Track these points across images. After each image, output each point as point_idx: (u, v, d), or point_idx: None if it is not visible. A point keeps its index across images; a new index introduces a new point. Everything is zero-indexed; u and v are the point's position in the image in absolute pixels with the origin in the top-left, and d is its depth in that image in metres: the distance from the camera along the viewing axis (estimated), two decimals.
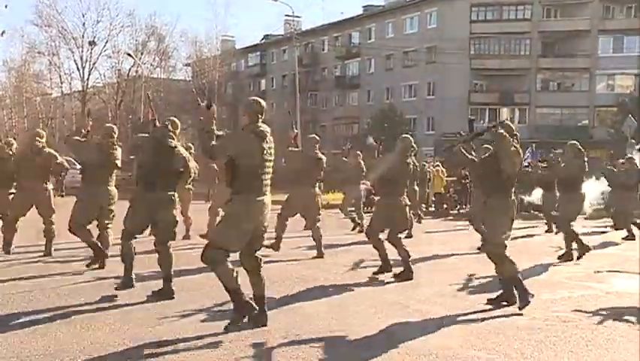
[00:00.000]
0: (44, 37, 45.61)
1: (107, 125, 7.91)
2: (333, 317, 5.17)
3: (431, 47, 40.10)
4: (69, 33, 44.83)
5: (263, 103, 4.89)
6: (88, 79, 45.75)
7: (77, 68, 45.54)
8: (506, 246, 5.63)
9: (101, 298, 5.70)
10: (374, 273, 7.15)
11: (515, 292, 5.57)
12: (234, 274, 4.73)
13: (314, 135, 9.05)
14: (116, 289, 5.90)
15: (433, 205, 19.06)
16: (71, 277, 6.81)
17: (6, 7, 21.26)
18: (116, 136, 7.41)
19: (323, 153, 8.79)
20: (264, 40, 53.70)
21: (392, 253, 7.17)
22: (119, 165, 7.39)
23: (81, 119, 44.55)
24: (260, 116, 4.80)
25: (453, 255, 9.20)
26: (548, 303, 5.83)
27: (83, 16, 45.09)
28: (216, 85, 47.06)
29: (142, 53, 45.80)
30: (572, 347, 4.44)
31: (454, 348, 4.35)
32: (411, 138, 7.39)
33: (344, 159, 14.14)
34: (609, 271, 7.79)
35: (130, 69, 46.35)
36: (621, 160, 12.54)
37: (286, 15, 47.10)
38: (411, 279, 6.87)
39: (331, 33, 47.78)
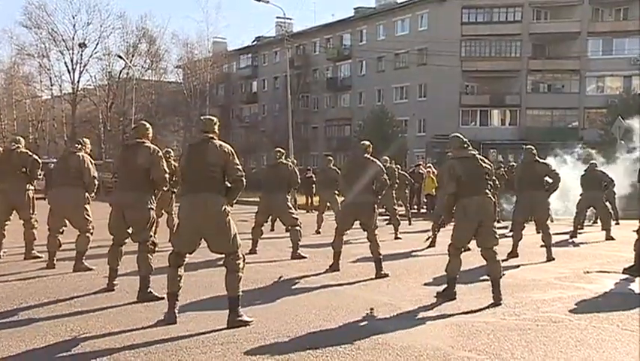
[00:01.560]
0: (34, 39, 45.55)
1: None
2: (324, 319, 5.17)
3: (422, 48, 40.23)
4: (59, 35, 44.73)
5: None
6: (78, 81, 45.67)
7: (68, 70, 45.45)
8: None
9: (92, 300, 5.69)
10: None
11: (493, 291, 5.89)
12: (178, 279, 4.97)
13: (278, 149, 9.61)
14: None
15: (425, 206, 19.12)
16: (61, 279, 6.78)
17: None
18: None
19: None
20: (255, 42, 53.73)
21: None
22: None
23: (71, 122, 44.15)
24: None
25: (444, 257, 9.21)
26: (538, 303, 5.85)
27: (74, 18, 45.05)
28: (208, 87, 47.03)
29: (133, 55, 45.67)
30: (561, 347, 4.47)
31: (444, 349, 4.36)
32: (368, 143, 7.78)
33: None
34: (599, 272, 7.84)
35: (121, 71, 46.22)
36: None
37: (277, 17, 47.21)
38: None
39: (323, 35, 47.84)
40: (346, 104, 47.48)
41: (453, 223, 6.32)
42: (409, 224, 14.64)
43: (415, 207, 19.30)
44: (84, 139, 8.01)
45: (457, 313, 5.42)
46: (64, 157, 7.76)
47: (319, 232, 12.25)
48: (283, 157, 9.41)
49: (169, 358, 4.10)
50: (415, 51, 40.83)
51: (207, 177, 4.87)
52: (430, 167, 19.49)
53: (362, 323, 5.06)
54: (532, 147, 9.42)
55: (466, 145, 6.15)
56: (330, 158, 14.46)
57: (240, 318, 4.86)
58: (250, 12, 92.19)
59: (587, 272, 7.78)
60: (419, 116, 40.98)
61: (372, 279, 7.07)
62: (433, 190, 18.79)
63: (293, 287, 6.61)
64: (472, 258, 8.69)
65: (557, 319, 5.27)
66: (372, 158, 7.64)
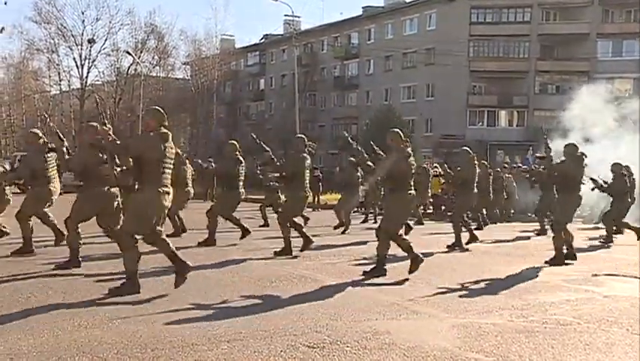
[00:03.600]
0: (43, 35, 45.65)
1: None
2: (330, 318, 5.15)
3: (430, 48, 40.12)
4: (68, 30, 44.87)
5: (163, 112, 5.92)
6: (87, 77, 45.76)
7: (76, 66, 45.58)
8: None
9: (97, 295, 5.69)
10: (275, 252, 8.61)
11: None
12: (138, 259, 5.75)
13: (233, 142, 10.19)
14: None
15: (431, 207, 19.06)
16: (66, 275, 6.79)
17: (5, 3, 21.60)
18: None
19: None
20: (263, 40, 53.71)
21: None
22: None
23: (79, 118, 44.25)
24: (163, 122, 5.81)
25: (450, 257, 9.21)
26: (546, 306, 5.82)
27: (83, 13, 45.13)
28: (215, 84, 47.07)
29: (141, 52, 45.75)
30: (570, 350, 4.43)
31: (451, 350, 4.34)
32: (304, 138, 8.78)
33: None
34: (607, 275, 7.79)
35: (129, 67, 46.32)
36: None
37: (286, 15, 47.18)
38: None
39: (330, 33, 47.78)
40: (353, 102, 47.39)
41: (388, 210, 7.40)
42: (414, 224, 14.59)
43: (422, 207, 19.23)
44: (35, 130, 8.58)
45: (464, 314, 5.40)
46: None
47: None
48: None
49: (176, 354, 4.10)
50: (422, 51, 40.72)
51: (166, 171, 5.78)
52: (436, 167, 19.42)
53: (368, 323, 5.04)
54: (468, 148, 10.65)
55: (407, 143, 7.23)
56: None
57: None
58: (258, 10, 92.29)
59: (595, 275, 7.74)
60: (426, 116, 40.88)
61: (378, 278, 7.04)
62: (440, 190, 18.78)
63: (300, 285, 6.60)
64: (478, 260, 8.68)
65: (565, 322, 5.23)
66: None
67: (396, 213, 7.22)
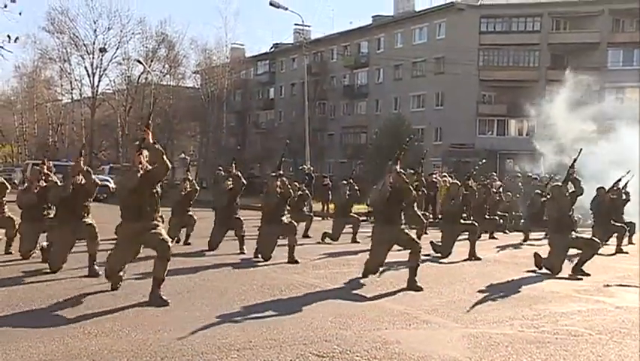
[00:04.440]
0: (56, 44, 46.00)
1: None
2: (340, 327, 5.15)
3: (440, 57, 40.10)
4: (80, 40, 45.20)
5: None
6: (98, 85, 46.09)
7: (88, 75, 45.89)
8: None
9: (107, 304, 5.71)
10: None
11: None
12: None
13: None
14: None
15: (440, 215, 18.98)
16: (77, 283, 6.83)
17: (20, 14, 21.93)
18: None
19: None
20: (273, 49, 53.96)
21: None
22: None
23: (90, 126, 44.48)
24: None
25: (460, 266, 9.17)
26: (557, 316, 5.78)
27: (95, 23, 45.46)
28: (225, 93, 47.26)
29: (152, 60, 46.06)
30: None
31: (461, 360, 4.32)
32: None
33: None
34: (619, 286, 7.72)
35: (140, 76, 46.63)
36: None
37: (296, 24, 47.39)
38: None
39: (340, 42, 47.91)
40: (363, 111, 47.42)
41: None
42: (425, 233, 14.53)
43: (431, 216, 19.16)
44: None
45: (474, 325, 5.37)
46: None
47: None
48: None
49: None
50: (432, 60, 40.71)
51: None
52: (445, 176, 19.37)
53: (378, 332, 5.02)
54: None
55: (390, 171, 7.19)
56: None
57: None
58: (268, 19, 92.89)
59: (607, 285, 7.67)
60: (436, 125, 40.80)
61: (388, 287, 7.03)
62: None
63: (309, 294, 6.59)
64: (488, 270, 8.64)
65: (577, 333, 5.19)
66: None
67: (379, 248, 7.28)
